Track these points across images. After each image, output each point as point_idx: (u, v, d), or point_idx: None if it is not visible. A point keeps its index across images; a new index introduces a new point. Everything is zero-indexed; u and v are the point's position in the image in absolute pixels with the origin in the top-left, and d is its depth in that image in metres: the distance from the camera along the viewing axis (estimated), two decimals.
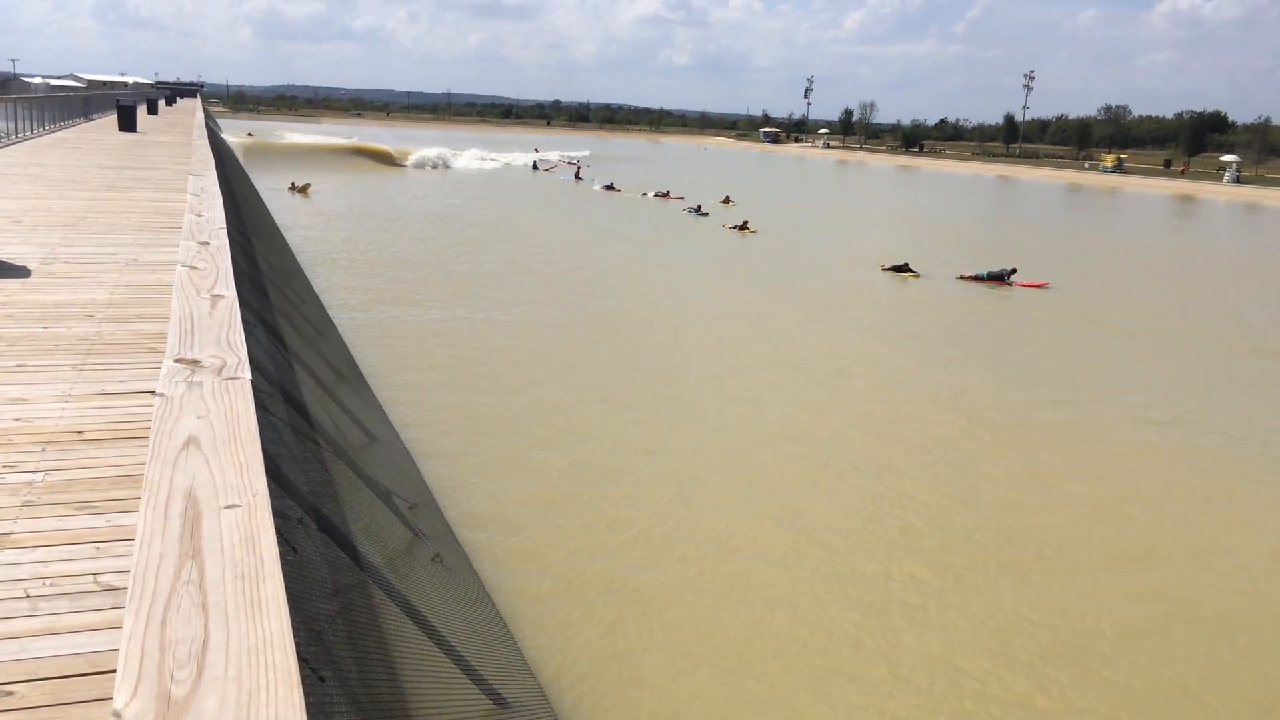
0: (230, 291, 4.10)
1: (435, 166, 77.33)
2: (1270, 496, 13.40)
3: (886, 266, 31.79)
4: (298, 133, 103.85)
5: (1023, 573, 10.42)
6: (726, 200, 54.05)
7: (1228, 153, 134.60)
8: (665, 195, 57.83)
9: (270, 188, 45.12)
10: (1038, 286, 30.31)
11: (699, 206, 49.51)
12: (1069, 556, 10.90)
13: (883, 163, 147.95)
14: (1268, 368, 21.67)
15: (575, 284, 26.93)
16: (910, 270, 31.06)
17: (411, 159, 77.36)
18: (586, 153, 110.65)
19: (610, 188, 63.20)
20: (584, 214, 48.09)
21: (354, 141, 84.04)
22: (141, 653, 1.54)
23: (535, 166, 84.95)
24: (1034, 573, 10.44)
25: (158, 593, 1.71)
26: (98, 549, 3.40)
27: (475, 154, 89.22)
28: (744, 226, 41.91)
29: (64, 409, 4.73)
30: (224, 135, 56.70)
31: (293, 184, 49.70)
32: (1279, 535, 12.07)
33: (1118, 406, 17.31)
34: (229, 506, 2.03)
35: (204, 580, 1.75)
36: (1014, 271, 30.94)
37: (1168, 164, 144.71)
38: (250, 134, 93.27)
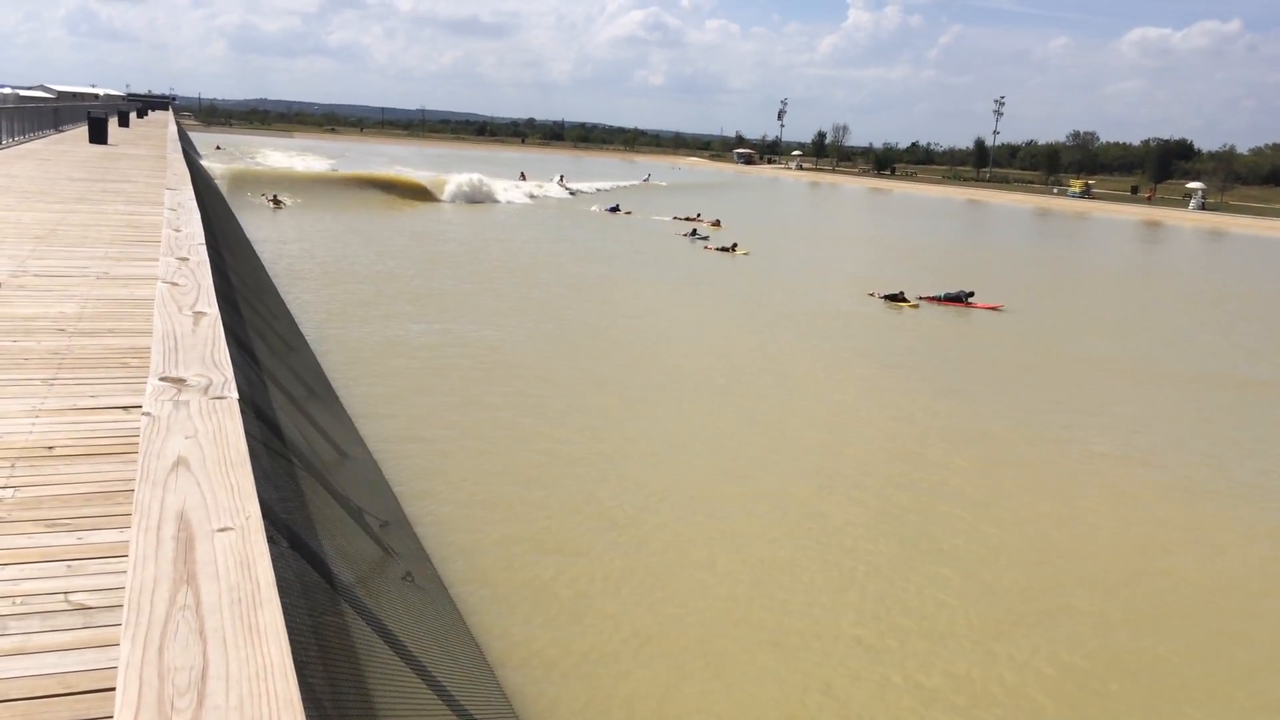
0: (212, 308, 4.06)
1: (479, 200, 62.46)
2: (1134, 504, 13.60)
3: (881, 295, 31.55)
4: (276, 150, 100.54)
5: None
6: (716, 223, 54.64)
7: (1193, 180, 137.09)
8: (695, 219, 56.88)
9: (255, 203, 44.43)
10: (992, 309, 31.09)
11: (695, 230, 49.92)
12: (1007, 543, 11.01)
13: (855, 185, 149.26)
14: (1198, 394, 21.85)
15: (562, 303, 27.00)
16: (905, 299, 30.96)
17: (447, 191, 61.68)
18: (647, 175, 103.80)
19: (615, 209, 62.67)
20: (585, 235, 47.98)
21: (369, 170, 66.47)
22: (140, 680, 1.51)
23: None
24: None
25: (154, 618, 1.68)
26: (69, 567, 3.33)
27: (534, 184, 76.60)
28: (733, 248, 42.21)
29: (34, 424, 4.65)
30: (204, 162, 48.98)
31: (275, 197, 48.78)
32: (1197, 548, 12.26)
33: (1044, 425, 17.68)
34: (222, 529, 2.00)
35: (200, 605, 1.72)
36: (971, 294, 31.69)
37: (1135, 190, 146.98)
38: (219, 146, 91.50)
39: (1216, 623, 10.48)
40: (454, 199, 60.77)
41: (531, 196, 71.16)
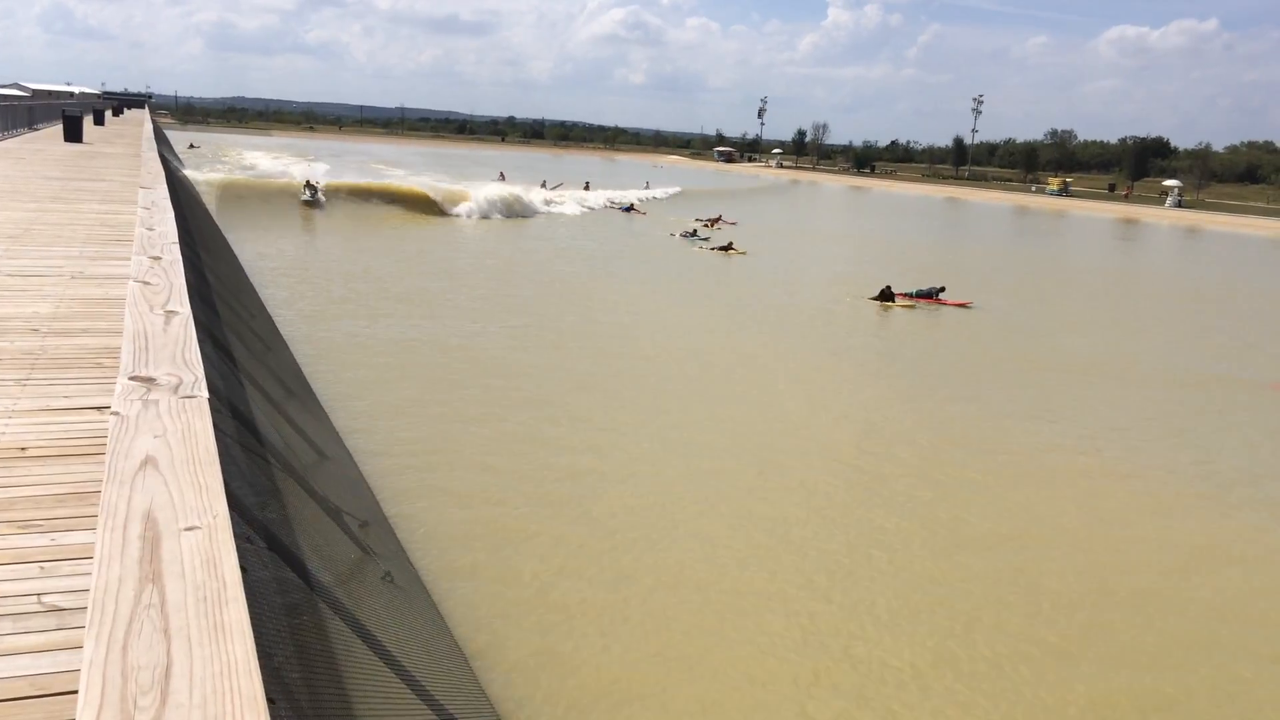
0: (184, 308, 4.04)
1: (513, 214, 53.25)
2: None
3: (871, 297, 31.37)
4: (254, 149, 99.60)
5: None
6: (713, 223, 54.83)
7: (1170, 178, 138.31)
8: (715, 223, 55.34)
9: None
10: (961, 305, 31.47)
11: (694, 231, 49.96)
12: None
13: (835, 183, 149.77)
14: (1156, 390, 21.95)
15: (548, 301, 27.01)
16: (893, 300, 30.90)
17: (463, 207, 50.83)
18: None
19: (630, 209, 63.36)
20: (601, 235, 47.89)
21: (366, 181, 54.20)
22: (103, 679, 1.50)
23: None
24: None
25: (118, 617, 1.67)
26: (42, 568, 3.31)
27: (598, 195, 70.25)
28: (729, 248, 42.27)
29: (7, 425, 4.62)
30: (187, 172, 42.21)
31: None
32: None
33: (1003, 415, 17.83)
34: (189, 529, 1.99)
35: (165, 604, 1.71)
36: (942, 289, 31.99)
37: (1112, 188, 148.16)
38: (192, 145, 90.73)
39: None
40: (482, 212, 51.35)
41: (583, 206, 64.26)
